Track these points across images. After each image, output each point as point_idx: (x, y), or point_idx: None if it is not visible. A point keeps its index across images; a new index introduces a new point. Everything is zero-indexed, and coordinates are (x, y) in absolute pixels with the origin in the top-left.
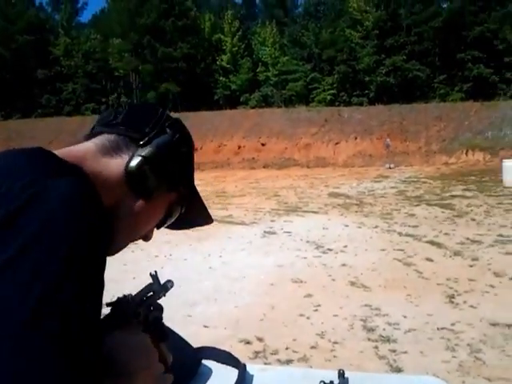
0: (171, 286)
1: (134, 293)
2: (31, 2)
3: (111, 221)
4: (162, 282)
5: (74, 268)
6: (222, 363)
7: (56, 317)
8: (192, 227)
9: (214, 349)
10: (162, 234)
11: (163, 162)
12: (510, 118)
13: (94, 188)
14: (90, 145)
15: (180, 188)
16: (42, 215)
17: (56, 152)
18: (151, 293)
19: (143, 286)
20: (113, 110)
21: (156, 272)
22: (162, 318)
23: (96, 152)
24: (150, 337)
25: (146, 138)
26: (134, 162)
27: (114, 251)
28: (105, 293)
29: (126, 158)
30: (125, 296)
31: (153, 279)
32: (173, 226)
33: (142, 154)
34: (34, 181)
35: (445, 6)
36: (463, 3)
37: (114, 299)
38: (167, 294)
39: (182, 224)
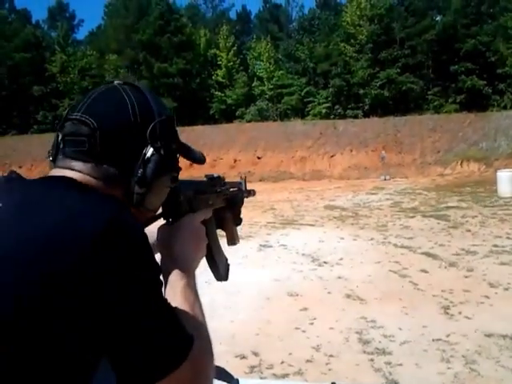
0: (253, 195)
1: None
2: (28, 20)
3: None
4: None
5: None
6: (215, 378)
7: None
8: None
9: None
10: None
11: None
12: (504, 129)
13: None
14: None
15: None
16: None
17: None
18: (236, 188)
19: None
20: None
21: (245, 177)
22: (242, 203)
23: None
24: (227, 218)
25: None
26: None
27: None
28: None
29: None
30: (219, 176)
31: (242, 181)
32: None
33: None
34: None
35: (438, 19)
36: (456, 16)
37: (215, 175)
38: None
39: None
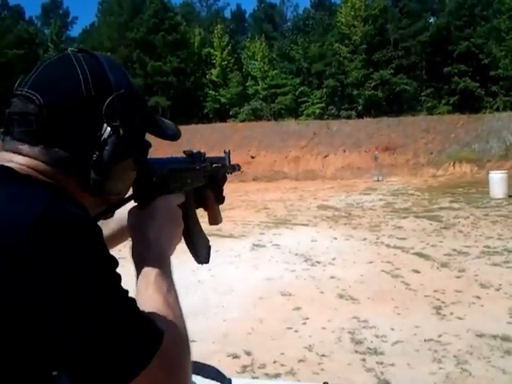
0: (238, 170)
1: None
2: (21, 16)
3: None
4: None
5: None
6: (208, 378)
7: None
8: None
9: (198, 363)
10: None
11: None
12: (496, 131)
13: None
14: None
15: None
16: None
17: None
18: (220, 164)
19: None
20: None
21: (229, 151)
22: (225, 180)
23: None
24: (208, 196)
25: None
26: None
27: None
28: None
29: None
30: (199, 152)
31: (226, 156)
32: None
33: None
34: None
35: (431, 20)
36: (449, 18)
37: (195, 151)
38: None
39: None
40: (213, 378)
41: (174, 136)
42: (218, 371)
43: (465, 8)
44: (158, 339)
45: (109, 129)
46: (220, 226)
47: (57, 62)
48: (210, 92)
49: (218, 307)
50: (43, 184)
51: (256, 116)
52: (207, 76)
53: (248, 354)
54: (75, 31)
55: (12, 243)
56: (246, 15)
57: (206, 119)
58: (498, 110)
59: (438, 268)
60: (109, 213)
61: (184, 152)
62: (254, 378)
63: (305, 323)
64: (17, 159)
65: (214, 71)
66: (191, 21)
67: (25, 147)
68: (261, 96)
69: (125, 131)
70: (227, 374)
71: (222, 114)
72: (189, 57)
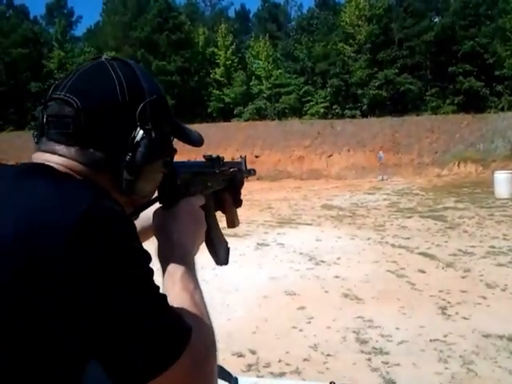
0: (254, 174)
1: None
2: (25, 16)
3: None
4: None
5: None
6: None
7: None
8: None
9: None
10: (151, 248)
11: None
12: (501, 131)
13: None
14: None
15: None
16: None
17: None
18: (236, 168)
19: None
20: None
21: (245, 156)
22: (242, 184)
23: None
24: (227, 199)
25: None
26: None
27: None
28: None
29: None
30: (218, 156)
31: (242, 161)
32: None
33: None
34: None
35: (436, 20)
36: (454, 18)
37: (214, 155)
38: None
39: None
40: (219, 377)
41: (198, 141)
42: (224, 370)
43: (469, 7)
44: (187, 336)
45: (142, 132)
46: (224, 225)
47: (93, 69)
48: (214, 91)
49: (223, 306)
50: (82, 182)
51: (260, 115)
52: (211, 75)
53: (253, 352)
54: (79, 30)
55: (53, 243)
56: (250, 15)
57: (210, 118)
58: (502, 109)
59: (443, 268)
60: (135, 214)
61: (204, 156)
62: (259, 376)
63: (309, 322)
64: (53, 159)
65: (218, 70)
66: (195, 20)
67: (61, 148)
68: (265, 95)
69: (156, 134)
70: (232, 373)
71: (226, 114)
72: (193, 56)
